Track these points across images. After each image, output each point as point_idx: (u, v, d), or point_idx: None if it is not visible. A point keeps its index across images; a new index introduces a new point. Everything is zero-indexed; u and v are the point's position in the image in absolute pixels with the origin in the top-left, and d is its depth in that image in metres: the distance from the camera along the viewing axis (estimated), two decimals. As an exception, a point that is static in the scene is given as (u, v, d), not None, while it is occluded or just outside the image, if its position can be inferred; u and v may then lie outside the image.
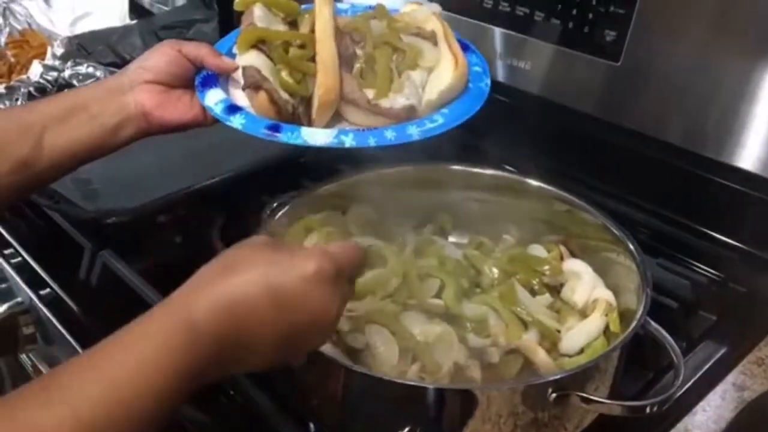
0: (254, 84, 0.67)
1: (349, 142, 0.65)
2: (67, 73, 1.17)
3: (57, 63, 1.18)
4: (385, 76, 0.69)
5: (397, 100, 0.68)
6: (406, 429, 0.60)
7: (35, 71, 1.15)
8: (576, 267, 0.77)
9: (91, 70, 1.18)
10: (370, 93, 0.68)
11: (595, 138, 1.00)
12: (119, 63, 1.22)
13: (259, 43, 0.70)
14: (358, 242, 0.62)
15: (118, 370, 0.45)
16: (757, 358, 0.74)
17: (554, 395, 0.57)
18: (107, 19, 1.38)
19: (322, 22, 0.71)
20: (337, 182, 0.82)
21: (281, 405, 0.69)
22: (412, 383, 0.62)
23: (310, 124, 0.69)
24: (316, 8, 0.72)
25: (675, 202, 0.94)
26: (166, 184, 0.91)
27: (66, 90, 1.05)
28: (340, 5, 0.81)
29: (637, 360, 0.70)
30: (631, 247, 0.70)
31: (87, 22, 1.39)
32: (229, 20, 1.36)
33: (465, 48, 0.76)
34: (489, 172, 0.84)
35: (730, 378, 0.72)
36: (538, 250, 0.80)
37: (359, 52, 0.71)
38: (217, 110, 0.69)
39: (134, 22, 1.34)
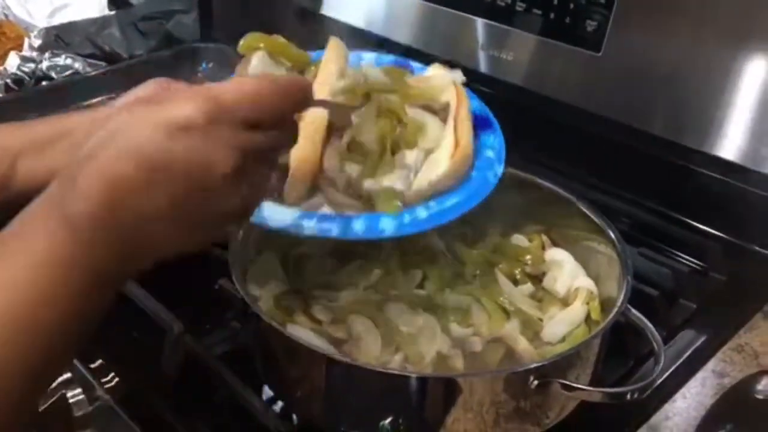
0: None
1: (309, 229, 0.58)
2: (44, 65, 1.15)
3: (35, 54, 1.16)
4: (375, 153, 0.61)
5: (381, 183, 0.60)
6: (389, 419, 0.61)
7: (12, 63, 1.13)
8: (558, 256, 0.77)
9: (69, 61, 1.16)
10: (355, 169, 0.61)
11: (577, 128, 1.00)
12: (98, 54, 1.20)
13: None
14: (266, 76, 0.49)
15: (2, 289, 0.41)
16: (737, 345, 0.75)
17: (536, 383, 0.57)
18: (86, 10, 1.36)
19: (319, 81, 0.63)
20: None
21: (264, 397, 0.69)
22: (394, 372, 0.62)
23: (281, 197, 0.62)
24: (322, 63, 0.64)
25: (656, 191, 0.95)
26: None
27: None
28: (365, 56, 0.73)
29: (618, 348, 0.71)
30: (612, 235, 0.71)
31: (65, 13, 1.38)
32: (208, 11, 1.35)
33: (484, 125, 0.67)
34: (471, 162, 0.84)
35: (711, 365, 0.72)
36: (520, 240, 0.80)
37: (355, 119, 0.62)
38: None
39: (113, 12, 1.32)
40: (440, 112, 0.65)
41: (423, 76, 0.71)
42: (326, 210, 0.62)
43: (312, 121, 0.60)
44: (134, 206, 0.43)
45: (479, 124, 0.68)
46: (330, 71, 0.63)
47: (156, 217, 0.43)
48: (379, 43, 1.19)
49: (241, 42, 0.65)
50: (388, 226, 0.58)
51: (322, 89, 0.62)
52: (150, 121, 0.43)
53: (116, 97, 0.69)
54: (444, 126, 0.64)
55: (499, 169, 0.65)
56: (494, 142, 0.67)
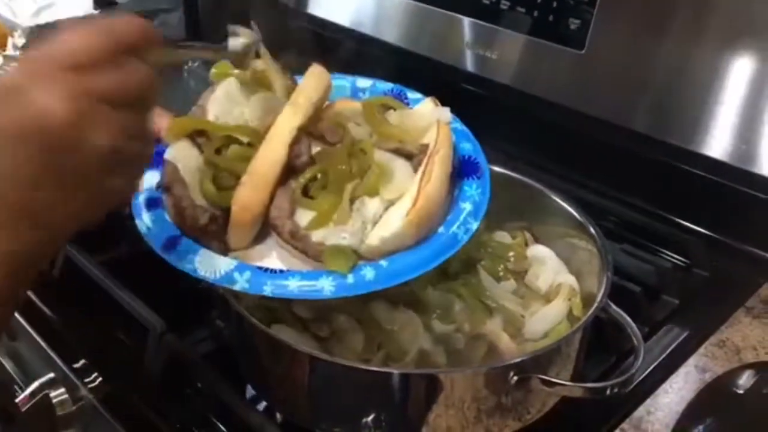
0: (166, 184, 0.58)
1: (240, 284, 0.54)
2: (28, 64, 1.14)
3: (18, 53, 1.16)
4: (332, 199, 0.56)
5: (331, 236, 0.55)
6: (372, 415, 0.61)
7: (-4, 61, 1.13)
8: (540, 253, 0.77)
9: (53, 60, 1.16)
10: (305, 216, 0.56)
11: (562, 126, 1.01)
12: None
13: (196, 135, 0.59)
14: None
15: None
16: (719, 340, 0.75)
17: (515, 378, 0.57)
18: (71, 10, 1.36)
19: (284, 118, 0.58)
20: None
21: (248, 395, 0.69)
22: (376, 369, 0.62)
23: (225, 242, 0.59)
24: (294, 92, 0.60)
25: (640, 188, 0.96)
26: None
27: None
28: (359, 83, 0.71)
29: (600, 344, 0.71)
30: (593, 231, 0.71)
31: (50, 12, 1.37)
32: (194, 9, 1.35)
33: (471, 171, 0.61)
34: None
35: (693, 360, 0.73)
36: (502, 237, 0.80)
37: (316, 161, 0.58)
38: (139, 199, 0.60)
39: (97, 12, 1.32)
40: (418, 155, 0.60)
41: (407, 112, 0.66)
42: (274, 257, 0.59)
43: (260, 166, 0.56)
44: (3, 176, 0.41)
45: (465, 170, 0.63)
46: (297, 107, 0.59)
47: (21, 187, 0.42)
48: (366, 42, 1.19)
49: (213, 70, 0.62)
50: (327, 286, 0.54)
51: (280, 127, 0.58)
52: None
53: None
54: (413, 175, 0.58)
55: (473, 226, 0.58)
56: (475, 193, 0.61)
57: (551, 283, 0.74)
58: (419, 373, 0.61)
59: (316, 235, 0.56)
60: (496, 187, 0.81)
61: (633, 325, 0.63)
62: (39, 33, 1.20)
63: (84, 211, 0.45)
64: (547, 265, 0.75)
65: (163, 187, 0.59)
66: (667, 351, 0.74)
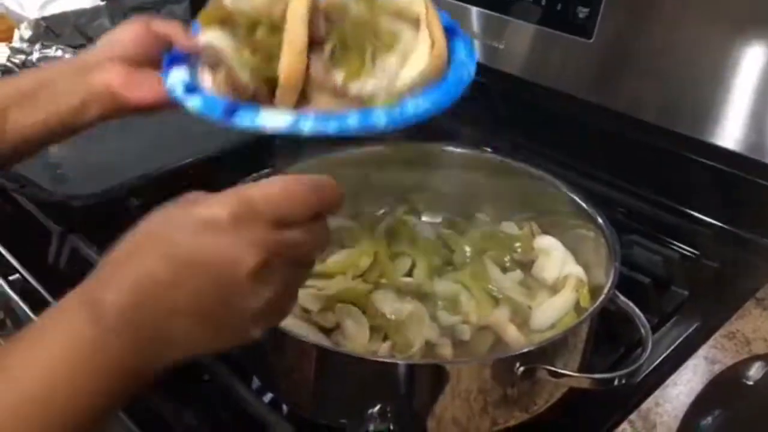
0: (213, 63, 0.64)
1: (308, 128, 0.59)
2: (35, 56, 1.15)
3: (25, 46, 1.16)
4: (357, 59, 0.64)
5: (367, 85, 0.63)
6: (378, 406, 0.60)
7: (2, 54, 1.13)
8: (547, 243, 0.77)
9: (59, 53, 1.16)
10: (339, 75, 0.63)
11: (570, 116, 1.00)
12: (88, 45, 1.20)
13: (225, 22, 0.66)
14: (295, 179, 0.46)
15: (26, 370, 0.42)
16: (729, 332, 0.74)
17: (522, 369, 0.57)
18: (78, 2, 1.36)
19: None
20: (309, 162, 0.81)
21: (254, 387, 0.69)
22: (382, 359, 0.62)
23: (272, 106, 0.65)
24: None
25: (649, 178, 0.95)
26: (136, 166, 0.90)
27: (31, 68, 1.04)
28: None
29: (608, 336, 0.71)
30: (600, 221, 0.70)
31: (57, 4, 1.37)
32: (199, 1, 1.34)
33: (453, 33, 0.69)
34: (462, 150, 0.84)
35: (702, 352, 0.72)
36: (510, 228, 0.80)
37: (332, 33, 0.65)
38: (177, 90, 0.65)
39: (103, 3, 1.32)
40: (410, 21, 0.67)
41: None
42: None
43: (292, 37, 0.62)
44: (159, 300, 0.43)
45: (448, 34, 0.69)
46: None
47: (180, 313, 0.43)
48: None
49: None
50: (380, 119, 0.60)
51: (296, 5, 0.63)
52: (181, 220, 0.44)
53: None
54: (416, 32, 0.66)
55: (472, 68, 0.66)
56: (465, 47, 0.69)
57: (558, 274, 0.73)
58: (425, 364, 0.61)
59: (355, 87, 0.62)
60: (503, 177, 0.81)
61: (641, 315, 0.63)
62: (46, 25, 1.20)
63: (210, 347, 0.47)
64: (554, 256, 0.75)
65: (210, 67, 0.64)
66: (677, 342, 0.74)
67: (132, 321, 0.43)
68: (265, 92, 0.64)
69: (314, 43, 0.65)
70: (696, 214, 0.91)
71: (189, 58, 0.69)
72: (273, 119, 0.61)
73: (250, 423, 0.64)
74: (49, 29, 1.20)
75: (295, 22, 0.63)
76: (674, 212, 0.91)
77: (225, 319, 0.45)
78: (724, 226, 0.89)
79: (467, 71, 0.66)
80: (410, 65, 0.64)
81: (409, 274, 0.74)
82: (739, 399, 0.63)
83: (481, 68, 1.06)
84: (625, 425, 0.64)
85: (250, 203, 0.44)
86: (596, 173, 0.96)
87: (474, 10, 1.07)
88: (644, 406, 0.66)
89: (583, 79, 0.98)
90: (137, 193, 0.92)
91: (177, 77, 0.67)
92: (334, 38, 0.65)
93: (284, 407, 0.68)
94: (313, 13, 0.65)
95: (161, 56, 0.69)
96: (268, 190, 0.45)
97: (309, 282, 0.72)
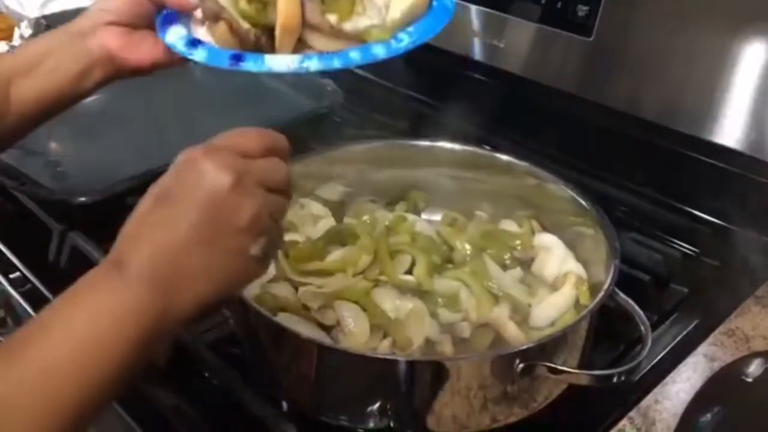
0: (213, 15, 0.65)
1: (313, 66, 0.63)
2: (35, 55, 1.15)
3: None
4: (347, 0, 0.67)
5: (360, 22, 0.66)
6: (378, 403, 0.61)
7: (1, 52, 1.13)
8: (547, 241, 0.77)
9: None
10: (332, 17, 0.66)
11: (570, 114, 1.00)
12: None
13: None
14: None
15: (67, 330, 0.46)
16: (728, 329, 0.75)
17: (521, 366, 0.57)
18: (77, 1, 1.36)
19: None
20: (308, 159, 0.81)
21: (254, 385, 0.69)
22: (382, 356, 0.62)
23: (273, 53, 0.67)
24: None
25: (649, 176, 0.95)
26: (136, 164, 0.90)
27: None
28: None
29: (608, 333, 0.71)
30: (600, 218, 0.71)
31: (57, 3, 1.37)
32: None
33: None
34: (462, 148, 0.84)
35: (701, 349, 0.72)
36: (509, 225, 0.80)
37: None
38: (179, 46, 0.67)
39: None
40: None
41: None
42: None
43: None
44: (167, 242, 0.48)
45: None
46: None
47: (187, 246, 0.49)
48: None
49: None
50: (379, 51, 0.64)
51: None
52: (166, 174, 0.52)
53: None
54: None
55: None
56: None
57: (558, 272, 0.73)
58: (424, 361, 0.61)
59: (349, 26, 0.65)
60: (503, 175, 0.81)
61: (641, 313, 0.63)
62: (46, 23, 1.20)
63: (224, 280, 0.51)
64: (553, 254, 0.75)
65: (208, 20, 0.66)
66: (676, 340, 0.74)
67: (152, 267, 0.48)
68: (265, 39, 0.66)
69: None
70: (696, 212, 0.91)
71: (180, 16, 0.70)
72: (279, 62, 0.64)
73: (250, 420, 0.64)
74: (49, 28, 1.19)
75: None
76: (674, 210, 0.91)
77: (225, 238, 0.50)
78: (724, 224, 0.89)
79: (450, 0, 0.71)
80: (398, 1, 0.67)
81: (409, 271, 0.74)
82: (738, 396, 0.63)
83: (481, 66, 1.08)
84: (624, 422, 0.64)
85: (215, 142, 0.52)
86: (596, 171, 0.96)
87: (474, 9, 1.07)
88: (644, 403, 0.66)
89: (582, 77, 0.98)
90: (138, 191, 0.91)
91: (176, 34, 0.68)
92: None
93: (284, 404, 0.68)
94: None
95: (153, 18, 0.70)
96: (228, 133, 0.53)
97: (309, 279, 0.72)
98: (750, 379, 0.62)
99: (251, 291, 0.69)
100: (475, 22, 1.07)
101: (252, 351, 0.69)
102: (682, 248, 0.87)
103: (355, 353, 0.61)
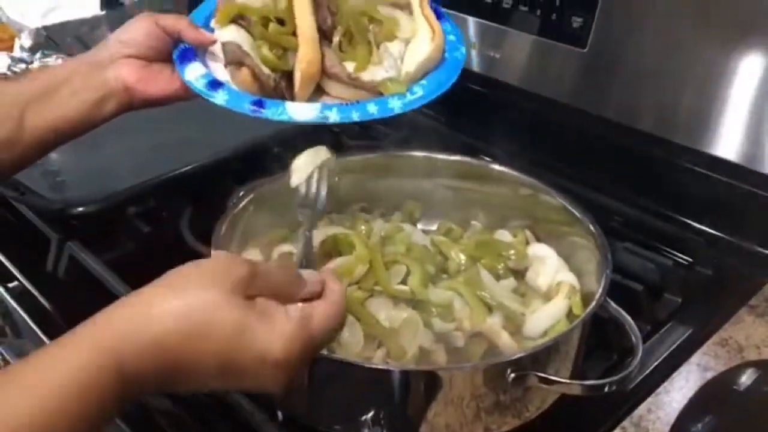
0: (236, 60, 0.67)
1: (333, 117, 0.65)
2: (35, 65, 1.16)
3: (25, 55, 1.17)
4: (364, 49, 0.68)
5: (377, 73, 0.67)
6: (371, 413, 0.61)
7: (3, 63, 1.14)
8: (540, 251, 0.77)
9: (60, 62, 1.17)
10: (350, 66, 0.68)
11: (565, 125, 1.01)
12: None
13: (238, 18, 0.69)
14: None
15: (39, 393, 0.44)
16: (722, 339, 0.75)
17: (513, 375, 0.57)
18: (78, 12, 1.37)
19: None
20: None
21: (249, 393, 0.69)
22: (375, 366, 0.62)
23: (292, 99, 0.68)
24: None
25: (643, 187, 0.95)
26: (134, 174, 0.91)
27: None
28: None
29: (602, 343, 0.71)
30: (592, 229, 0.71)
31: (58, 14, 1.38)
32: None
33: (439, 16, 0.74)
34: (457, 158, 0.85)
35: (695, 359, 0.72)
36: (504, 235, 0.81)
37: (337, 24, 0.70)
38: (199, 85, 0.68)
39: (103, 13, 1.33)
40: (405, 8, 0.72)
41: None
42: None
43: (305, 31, 0.67)
44: (184, 377, 0.49)
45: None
46: None
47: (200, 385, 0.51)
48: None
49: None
50: (395, 104, 0.66)
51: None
52: (250, 346, 0.50)
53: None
54: (412, 19, 0.72)
55: (463, 50, 0.73)
56: (452, 29, 0.75)
57: (551, 282, 0.74)
58: (417, 370, 0.62)
59: (366, 76, 0.67)
60: (498, 185, 0.82)
61: (632, 322, 0.63)
62: (46, 34, 1.21)
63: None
64: (547, 264, 0.75)
65: (231, 64, 0.67)
66: (670, 349, 0.74)
67: (146, 379, 0.47)
68: (285, 84, 0.68)
69: (321, 35, 0.69)
70: (689, 222, 0.91)
71: (195, 53, 0.71)
72: (300, 111, 0.65)
73: (245, 429, 0.65)
74: (50, 38, 1.21)
75: (303, 15, 0.68)
76: (668, 220, 0.92)
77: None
78: (718, 234, 0.90)
79: (460, 52, 0.72)
80: (413, 52, 0.70)
81: (404, 281, 0.74)
82: (730, 405, 0.63)
83: (477, 77, 1.08)
84: (617, 432, 0.64)
85: (313, 344, 0.53)
86: (591, 181, 0.96)
87: (471, 20, 1.07)
88: (637, 412, 0.66)
89: (578, 88, 0.99)
90: (136, 201, 0.93)
91: (196, 72, 0.69)
92: (340, 31, 0.69)
93: (279, 414, 0.68)
94: (318, 4, 0.70)
95: (170, 51, 0.72)
96: (329, 322, 0.55)
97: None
98: (741, 389, 0.63)
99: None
100: (472, 34, 1.08)
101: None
102: (675, 258, 0.87)
103: (349, 363, 0.61)
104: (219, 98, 0.66)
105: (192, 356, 0.48)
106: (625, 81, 0.94)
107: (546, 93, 1.02)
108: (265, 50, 0.68)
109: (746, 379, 0.65)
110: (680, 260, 0.87)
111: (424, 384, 0.59)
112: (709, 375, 0.70)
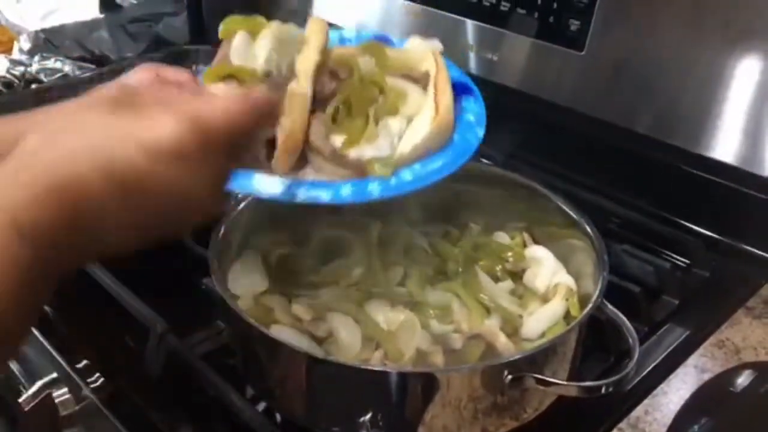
0: None
1: (300, 196, 0.59)
2: (34, 68, 1.16)
3: (24, 58, 1.17)
4: (359, 122, 0.62)
5: (366, 151, 0.61)
6: (369, 415, 0.61)
7: (2, 66, 1.14)
8: (538, 253, 0.77)
9: (58, 64, 1.17)
10: (339, 139, 0.62)
11: (563, 127, 1.01)
12: (87, 57, 1.21)
13: (229, 78, 0.63)
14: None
15: None
16: (719, 341, 0.75)
17: (510, 377, 0.58)
18: (77, 14, 1.37)
19: (304, 56, 0.64)
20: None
21: (247, 396, 0.70)
22: (373, 368, 0.62)
23: (269, 167, 0.63)
24: (306, 38, 0.65)
25: (641, 189, 0.95)
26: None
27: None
28: (345, 33, 0.75)
29: (599, 345, 0.72)
30: (589, 230, 0.71)
31: (57, 17, 1.39)
32: (198, 13, 1.35)
33: (464, 90, 0.68)
34: (455, 161, 0.84)
35: (692, 361, 0.73)
36: (501, 238, 0.81)
37: (338, 92, 0.64)
38: None
39: (102, 16, 1.33)
40: (420, 80, 0.66)
41: (402, 49, 0.71)
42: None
43: (295, 95, 0.61)
44: (95, 216, 0.42)
45: (459, 91, 0.69)
46: (310, 47, 0.64)
47: (114, 230, 0.43)
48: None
49: (221, 27, 0.65)
50: (374, 189, 0.60)
51: (303, 63, 0.63)
52: (127, 137, 0.42)
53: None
54: (424, 93, 0.65)
55: (480, 132, 0.65)
56: (474, 107, 0.68)
57: (549, 284, 0.74)
58: (414, 372, 0.62)
59: (353, 153, 0.61)
60: (495, 187, 0.82)
61: (628, 324, 0.64)
62: (45, 37, 1.21)
63: (145, 242, 0.45)
64: (545, 266, 0.75)
65: None
66: (667, 351, 0.74)
67: (53, 230, 0.40)
68: (264, 153, 0.62)
69: (318, 102, 0.63)
70: (687, 224, 0.92)
71: None
72: (266, 184, 0.60)
73: (244, 431, 0.65)
74: (49, 41, 1.21)
75: (300, 78, 0.62)
76: (665, 222, 0.92)
77: (164, 228, 0.45)
78: (715, 236, 0.90)
79: (474, 134, 0.64)
80: (413, 131, 0.63)
81: (402, 283, 0.74)
82: (727, 407, 0.63)
83: (475, 80, 1.08)
84: (614, 433, 0.65)
85: (205, 128, 0.44)
86: (589, 183, 0.96)
87: (469, 23, 1.08)
88: (634, 414, 0.66)
89: (575, 91, 0.99)
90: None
91: None
92: (339, 99, 0.64)
93: (277, 416, 0.68)
94: (320, 69, 0.64)
95: None
96: (225, 114, 0.46)
97: (302, 291, 0.73)
98: (738, 390, 0.63)
99: (244, 303, 0.70)
100: (470, 36, 1.08)
101: (245, 362, 0.69)
102: (673, 260, 0.87)
103: (346, 365, 0.62)
104: None
105: (78, 179, 0.41)
106: (623, 83, 0.95)
107: (544, 95, 1.02)
108: None
109: (743, 380, 0.65)
110: (677, 262, 0.87)
111: (422, 386, 0.59)
112: (707, 376, 0.70)
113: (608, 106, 0.96)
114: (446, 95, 0.63)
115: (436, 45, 0.70)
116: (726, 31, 0.85)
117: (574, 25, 0.95)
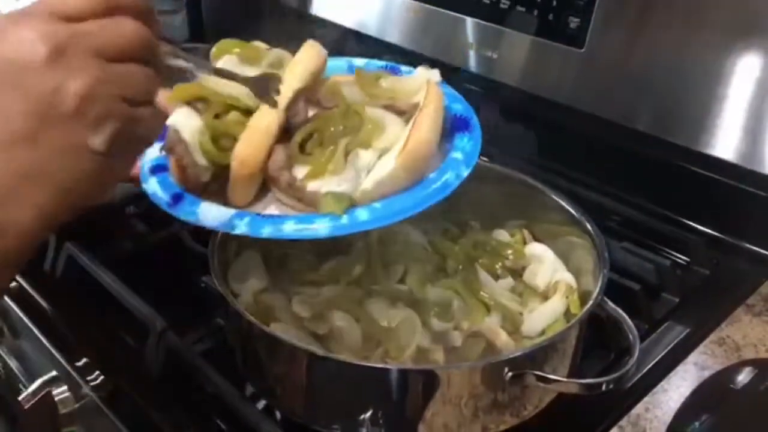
0: (168, 146, 0.60)
1: (241, 229, 0.56)
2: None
3: None
4: (326, 153, 0.58)
5: (328, 184, 0.57)
6: (370, 412, 0.61)
7: None
8: (538, 251, 0.77)
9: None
10: (302, 171, 0.58)
11: (563, 125, 1.01)
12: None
13: (196, 101, 0.61)
14: None
15: None
16: (719, 338, 0.75)
17: (510, 374, 0.58)
18: None
19: (284, 84, 0.61)
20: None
21: (247, 394, 0.69)
22: (373, 365, 0.62)
23: (224, 197, 0.61)
24: (291, 63, 0.63)
25: (641, 187, 0.95)
26: (132, 174, 0.91)
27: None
28: (356, 61, 0.73)
29: (600, 342, 0.72)
30: (589, 228, 0.71)
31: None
32: (197, 12, 1.35)
33: (463, 127, 0.64)
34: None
35: (692, 358, 0.73)
36: (501, 235, 0.81)
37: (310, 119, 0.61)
38: (145, 168, 0.63)
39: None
40: (408, 112, 0.62)
41: (399, 77, 0.69)
42: (273, 209, 0.61)
43: (258, 123, 0.59)
44: None
45: (457, 126, 0.65)
46: (294, 74, 0.62)
47: (12, 140, 0.40)
48: (370, 43, 1.20)
49: (214, 48, 0.64)
50: (322, 227, 0.56)
51: (285, 89, 0.61)
52: None
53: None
54: (405, 126, 0.60)
55: (465, 172, 0.60)
56: (467, 145, 0.63)
57: (549, 281, 0.74)
58: (415, 370, 0.62)
59: (313, 185, 0.58)
60: (495, 185, 0.82)
61: (629, 321, 0.64)
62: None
63: (64, 185, 0.42)
64: (545, 263, 0.75)
65: (165, 149, 0.61)
66: (667, 348, 0.74)
67: None
68: (223, 180, 0.60)
69: (289, 130, 0.61)
70: (687, 222, 0.92)
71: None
72: (210, 214, 0.58)
73: (244, 429, 0.65)
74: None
75: (264, 107, 0.59)
76: (665, 220, 0.92)
77: (50, 129, 0.40)
78: (715, 234, 0.90)
79: (456, 173, 0.59)
80: (379, 167, 0.59)
81: (402, 281, 0.74)
82: (727, 404, 0.63)
83: (474, 77, 1.08)
84: (615, 431, 0.64)
85: (34, 6, 0.41)
86: (589, 181, 0.97)
87: (468, 21, 1.08)
88: (634, 411, 0.66)
89: (575, 88, 0.99)
90: (134, 201, 0.93)
91: (150, 154, 0.64)
92: (307, 128, 0.61)
93: (277, 414, 0.68)
94: (297, 97, 0.61)
95: None
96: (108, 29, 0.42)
97: (302, 289, 0.73)
98: (738, 388, 0.63)
99: (244, 301, 0.70)
100: (470, 34, 1.08)
101: (245, 360, 0.69)
102: (673, 257, 0.87)
103: (347, 362, 0.62)
104: (150, 185, 0.61)
105: None
106: (623, 81, 0.95)
107: (543, 93, 1.02)
108: (206, 139, 0.59)
109: (743, 377, 0.65)
110: (678, 260, 0.87)
111: (422, 383, 0.59)
112: (707, 374, 0.70)
113: (608, 103, 0.96)
114: (420, 130, 0.58)
115: (434, 75, 0.67)
116: (726, 28, 0.85)
117: (574, 22, 0.95)
